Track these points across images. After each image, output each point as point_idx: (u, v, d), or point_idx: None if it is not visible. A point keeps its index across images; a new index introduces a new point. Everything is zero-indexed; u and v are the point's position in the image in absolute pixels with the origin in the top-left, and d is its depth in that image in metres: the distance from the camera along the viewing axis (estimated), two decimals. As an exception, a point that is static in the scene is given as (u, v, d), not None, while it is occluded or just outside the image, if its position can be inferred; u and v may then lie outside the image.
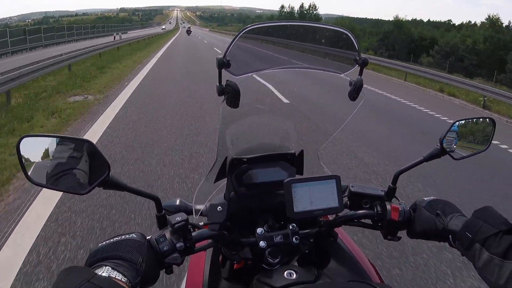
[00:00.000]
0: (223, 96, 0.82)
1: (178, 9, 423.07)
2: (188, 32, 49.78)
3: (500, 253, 0.63)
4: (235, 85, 0.80)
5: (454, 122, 0.90)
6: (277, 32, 1.02)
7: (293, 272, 0.75)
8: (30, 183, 0.68)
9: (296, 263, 0.92)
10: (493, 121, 0.92)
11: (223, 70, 0.80)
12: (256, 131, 1.09)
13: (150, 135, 4.87)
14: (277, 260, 0.84)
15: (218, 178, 0.93)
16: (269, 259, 0.84)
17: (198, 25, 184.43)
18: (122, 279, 0.58)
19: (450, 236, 0.76)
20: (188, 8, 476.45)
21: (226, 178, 0.93)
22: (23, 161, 0.68)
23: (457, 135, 0.91)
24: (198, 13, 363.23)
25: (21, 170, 0.67)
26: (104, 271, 0.58)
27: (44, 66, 8.24)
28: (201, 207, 0.89)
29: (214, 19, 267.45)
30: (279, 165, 0.94)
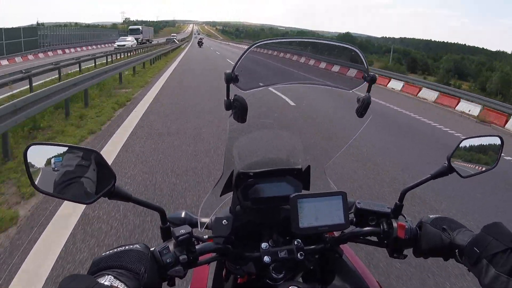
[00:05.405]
0: (230, 111, 0.86)
1: (195, 23, 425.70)
2: (200, 44, 49.82)
3: (507, 271, 0.66)
4: (243, 100, 0.84)
5: (462, 140, 0.96)
6: (288, 48, 1.08)
7: None
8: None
9: (300, 279, 0.96)
10: (501, 139, 0.98)
11: (231, 85, 0.84)
12: (263, 146, 1.16)
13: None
14: (281, 275, 0.89)
15: (224, 192, 1.00)
16: (273, 274, 0.89)
17: (221, 40, 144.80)
18: None
19: (456, 251, 0.80)
20: (206, 23, 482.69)
21: (232, 192, 1.00)
22: (30, 169, 0.72)
23: (465, 153, 0.97)
24: (218, 27, 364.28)
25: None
26: (106, 280, 0.62)
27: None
28: (206, 220, 0.96)
29: (241, 33, 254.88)
30: (285, 180, 1.00)
